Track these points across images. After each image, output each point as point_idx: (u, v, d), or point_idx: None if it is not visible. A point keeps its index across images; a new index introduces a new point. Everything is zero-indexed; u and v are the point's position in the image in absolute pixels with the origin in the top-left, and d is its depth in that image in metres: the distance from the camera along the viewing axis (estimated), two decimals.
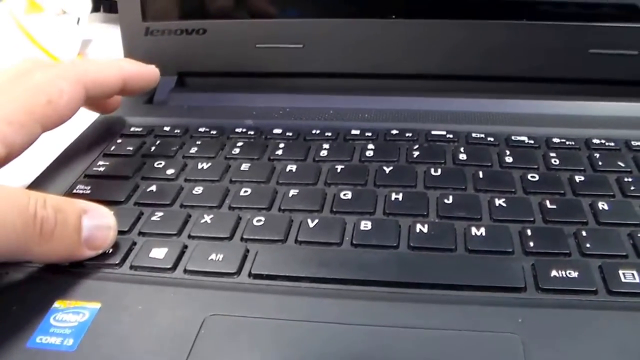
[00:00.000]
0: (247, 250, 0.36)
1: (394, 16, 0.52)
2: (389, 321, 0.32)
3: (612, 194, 0.40)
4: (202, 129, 0.49)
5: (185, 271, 0.35)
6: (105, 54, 0.74)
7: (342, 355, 0.30)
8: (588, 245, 0.35)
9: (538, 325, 0.31)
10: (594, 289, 0.33)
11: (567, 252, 0.35)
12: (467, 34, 0.52)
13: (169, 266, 0.35)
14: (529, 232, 0.36)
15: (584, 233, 0.36)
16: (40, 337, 0.31)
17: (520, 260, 0.35)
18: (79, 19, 0.75)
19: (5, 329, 0.32)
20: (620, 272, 0.33)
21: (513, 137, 0.46)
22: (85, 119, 0.52)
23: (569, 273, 0.33)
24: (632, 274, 0.33)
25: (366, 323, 0.32)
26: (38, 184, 0.44)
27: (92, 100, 0.46)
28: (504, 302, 0.32)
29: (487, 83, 0.53)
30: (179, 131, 0.49)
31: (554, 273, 0.33)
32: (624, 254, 0.35)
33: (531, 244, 0.35)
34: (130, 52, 0.57)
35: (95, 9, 0.84)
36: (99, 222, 0.36)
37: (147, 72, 0.48)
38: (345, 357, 0.30)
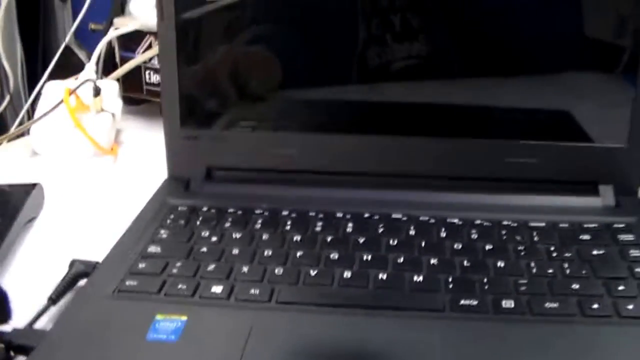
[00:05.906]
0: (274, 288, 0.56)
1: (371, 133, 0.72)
2: None
3: (509, 258, 0.59)
4: (230, 210, 0.68)
5: (237, 299, 0.54)
6: (136, 139, 0.99)
7: None
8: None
9: None
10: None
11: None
12: (413, 145, 0.71)
13: (225, 297, 0.55)
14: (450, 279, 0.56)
15: (485, 280, 0.56)
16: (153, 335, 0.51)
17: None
18: (113, 115, 0.96)
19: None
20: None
21: (448, 220, 0.65)
22: (142, 200, 0.71)
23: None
24: None
25: None
26: (121, 244, 0.63)
27: None
28: None
29: (429, 180, 0.70)
30: (214, 211, 0.68)
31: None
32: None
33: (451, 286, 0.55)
34: (170, 149, 0.74)
35: (130, 102, 1.07)
36: None
37: None
38: None
